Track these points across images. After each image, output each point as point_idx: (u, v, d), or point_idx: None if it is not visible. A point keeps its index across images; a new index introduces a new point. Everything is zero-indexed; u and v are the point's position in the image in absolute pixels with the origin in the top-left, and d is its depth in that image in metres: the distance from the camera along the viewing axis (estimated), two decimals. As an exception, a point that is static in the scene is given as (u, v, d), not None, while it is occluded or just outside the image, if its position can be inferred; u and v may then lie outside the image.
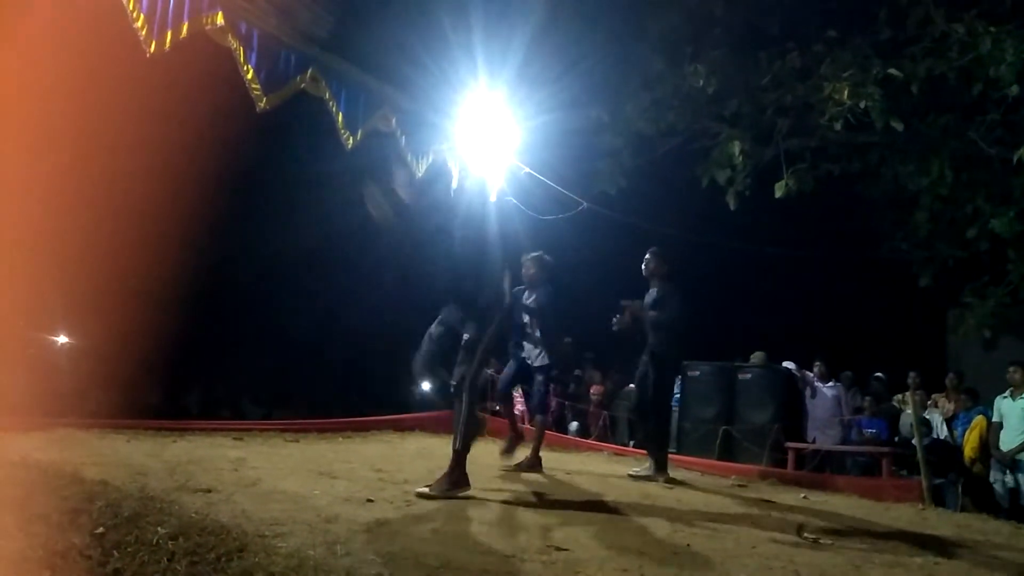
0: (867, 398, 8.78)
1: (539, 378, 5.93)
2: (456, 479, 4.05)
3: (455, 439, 4.15)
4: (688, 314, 5.98)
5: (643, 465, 6.00)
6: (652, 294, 6.02)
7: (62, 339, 12.41)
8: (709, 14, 7.79)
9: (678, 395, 8.92)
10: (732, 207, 8.28)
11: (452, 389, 4.29)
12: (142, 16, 4.44)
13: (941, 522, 4.90)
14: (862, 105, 6.91)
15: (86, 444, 4.71)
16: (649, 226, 8.19)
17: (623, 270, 6.31)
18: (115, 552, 2.41)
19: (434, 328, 4.60)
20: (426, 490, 3.96)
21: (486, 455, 5.66)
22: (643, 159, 8.79)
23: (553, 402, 9.84)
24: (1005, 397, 7.26)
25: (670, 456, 7.54)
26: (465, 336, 4.29)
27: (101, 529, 2.61)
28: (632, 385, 9.28)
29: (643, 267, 6.10)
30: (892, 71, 6.95)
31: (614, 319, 5.99)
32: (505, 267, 4.71)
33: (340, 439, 6.52)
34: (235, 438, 5.78)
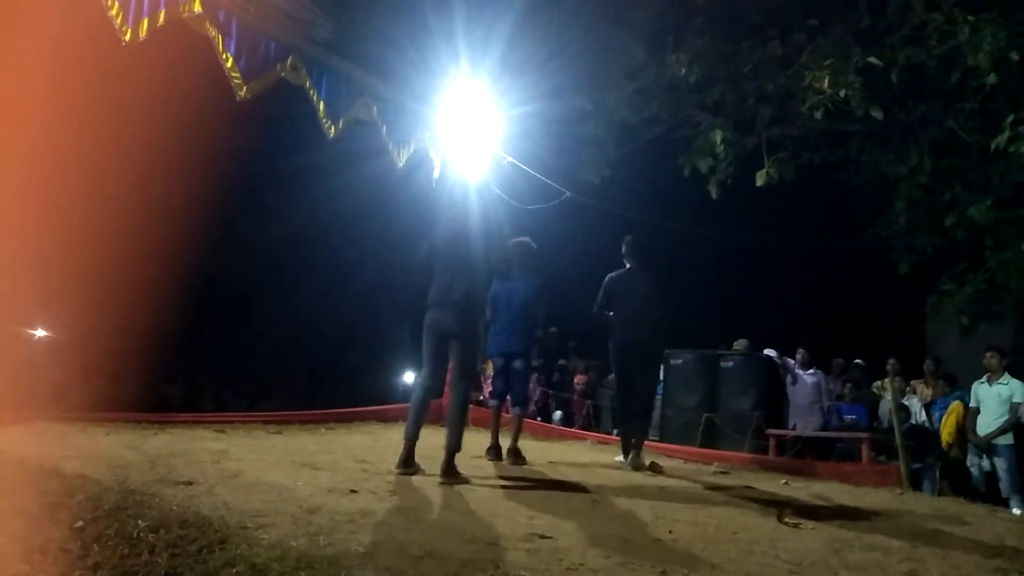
0: (847, 384, 8.87)
1: (517, 365, 5.70)
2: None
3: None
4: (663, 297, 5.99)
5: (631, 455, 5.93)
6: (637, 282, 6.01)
7: (41, 332, 12.28)
8: (691, 3, 7.79)
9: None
10: (714, 195, 8.32)
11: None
12: (116, 4, 4.37)
13: (919, 506, 4.97)
14: (842, 93, 6.95)
15: (66, 438, 4.66)
16: (633, 215, 8.21)
17: (607, 259, 6.30)
18: (95, 546, 2.39)
19: (428, 343, 4.67)
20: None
21: (471, 445, 5.67)
22: (626, 148, 8.80)
23: (537, 392, 9.87)
24: (982, 383, 7.36)
25: (653, 443, 7.60)
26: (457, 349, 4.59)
27: (81, 523, 2.58)
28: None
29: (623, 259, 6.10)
30: (872, 59, 6.99)
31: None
32: (488, 264, 4.84)
33: (323, 430, 6.50)
34: (217, 430, 5.75)
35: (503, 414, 6.01)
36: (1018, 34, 6.67)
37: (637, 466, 5.72)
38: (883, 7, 7.35)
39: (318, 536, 2.69)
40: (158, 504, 2.91)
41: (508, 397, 5.86)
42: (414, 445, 4.52)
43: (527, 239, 5.94)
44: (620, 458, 5.95)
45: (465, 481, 4.32)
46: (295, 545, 2.55)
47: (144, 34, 4.55)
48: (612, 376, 6.28)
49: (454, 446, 4.44)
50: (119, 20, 4.42)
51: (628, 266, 6.02)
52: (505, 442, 5.70)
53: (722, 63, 7.78)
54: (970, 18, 6.63)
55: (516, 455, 5.55)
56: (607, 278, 6.01)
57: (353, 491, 3.65)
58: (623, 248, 6.08)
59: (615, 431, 8.89)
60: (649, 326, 5.87)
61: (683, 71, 7.63)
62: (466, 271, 4.65)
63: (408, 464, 4.46)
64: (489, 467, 5.17)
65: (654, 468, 5.72)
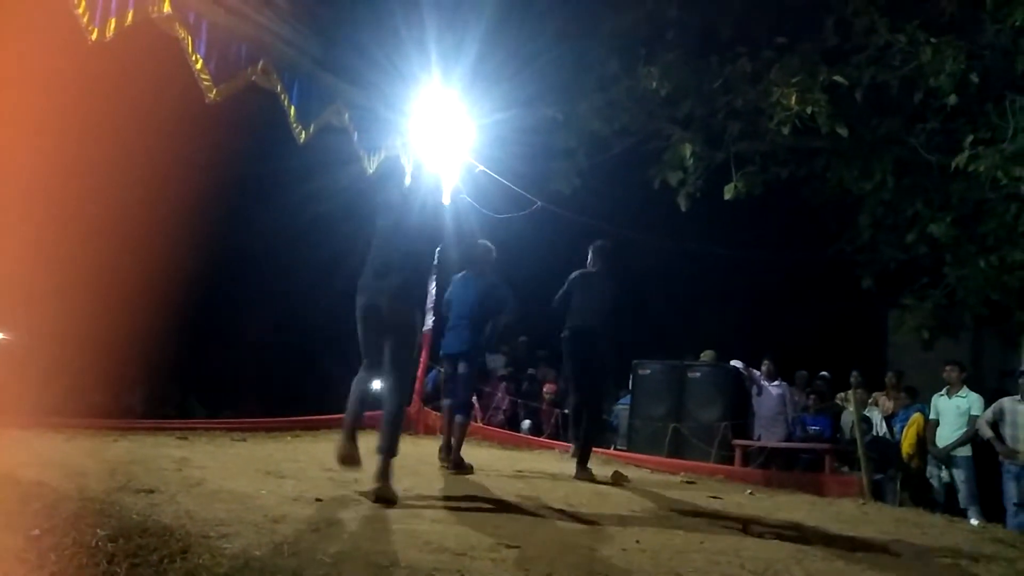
0: (811, 396, 9.00)
1: (460, 368, 5.61)
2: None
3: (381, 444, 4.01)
4: (618, 304, 6.03)
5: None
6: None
7: (-2, 336, 11.97)
8: (663, 17, 7.90)
9: (629, 393, 9.04)
10: (683, 208, 8.41)
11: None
12: (83, 2, 4.30)
13: (880, 516, 5.06)
14: (809, 111, 7.10)
15: (23, 444, 4.55)
16: (603, 225, 8.27)
17: (577, 268, 6.34)
18: (52, 555, 2.33)
19: (361, 334, 4.29)
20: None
21: (429, 455, 5.66)
22: (597, 159, 8.88)
23: (506, 401, 9.86)
24: (942, 395, 7.51)
25: (620, 453, 7.64)
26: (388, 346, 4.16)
27: (37, 531, 2.52)
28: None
29: (588, 262, 6.16)
30: (838, 78, 7.15)
31: None
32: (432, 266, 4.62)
33: (289, 438, 6.42)
34: (180, 437, 5.65)
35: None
36: (977, 57, 6.87)
37: (583, 478, 5.55)
38: (849, 28, 7.53)
39: (282, 546, 2.66)
40: (118, 513, 2.85)
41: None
42: (354, 433, 4.09)
43: (482, 241, 5.94)
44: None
45: (392, 499, 3.78)
46: (259, 555, 2.51)
47: (111, 33, 4.48)
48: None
49: (387, 449, 3.94)
50: (86, 19, 4.35)
51: (594, 268, 6.09)
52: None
53: (692, 77, 7.89)
54: (932, 40, 6.81)
55: (458, 465, 5.36)
56: (572, 274, 6.05)
57: (319, 500, 3.61)
58: (590, 251, 6.15)
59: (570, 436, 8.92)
60: (600, 324, 5.85)
61: (654, 84, 7.72)
62: (410, 260, 4.23)
63: (349, 459, 4.02)
64: (453, 477, 5.14)
65: (618, 478, 5.70)
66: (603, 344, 5.91)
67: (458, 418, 5.59)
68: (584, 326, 5.83)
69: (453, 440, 5.54)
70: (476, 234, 6.02)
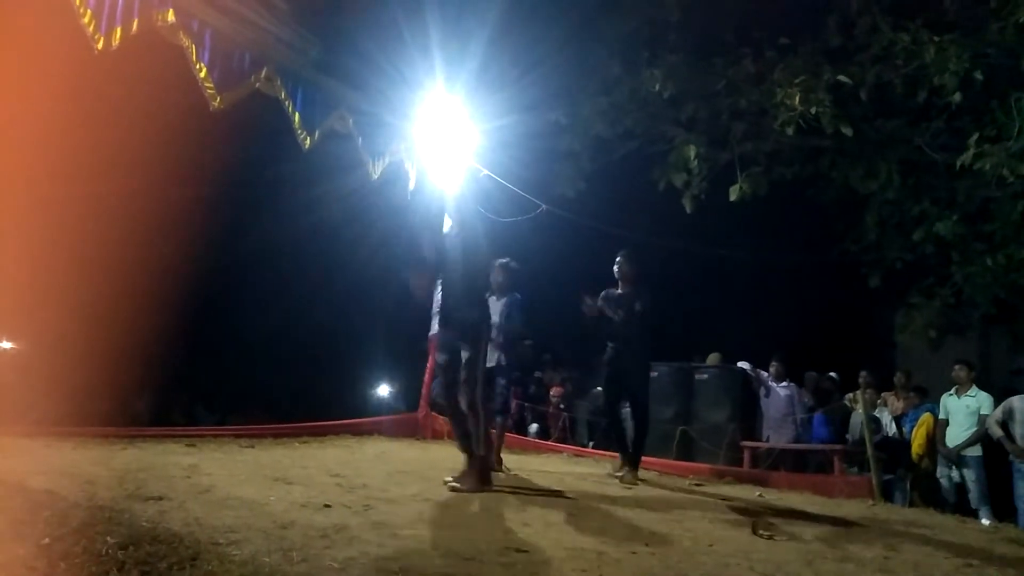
0: (832, 397, 8.96)
1: (501, 381, 6.00)
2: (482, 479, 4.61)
3: (474, 445, 4.68)
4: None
5: (615, 465, 6.15)
6: (618, 295, 6.11)
7: (6, 345, 12.02)
8: (665, 20, 7.89)
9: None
10: (688, 210, 8.39)
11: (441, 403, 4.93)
12: (89, 12, 4.32)
13: (890, 517, 5.03)
14: (813, 111, 7.08)
15: (32, 453, 4.56)
16: (608, 229, 8.26)
17: (582, 272, 6.36)
18: (62, 564, 2.34)
19: (440, 358, 4.92)
20: (454, 483, 4.49)
21: (447, 459, 5.65)
22: (601, 162, 8.87)
23: (513, 404, 9.86)
24: (951, 395, 7.47)
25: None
26: (464, 356, 4.71)
27: (47, 540, 2.52)
28: (600, 388, 9.33)
29: (615, 269, 6.20)
30: (842, 77, 7.13)
31: (586, 301, 6.07)
32: (486, 281, 4.95)
33: (297, 444, 6.43)
34: (188, 444, 5.66)
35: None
36: (981, 55, 6.85)
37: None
38: (852, 27, 7.51)
39: (291, 552, 2.66)
40: (127, 520, 2.85)
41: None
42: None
43: (501, 261, 6.07)
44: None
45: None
46: (268, 561, 2.51)
47: (117, 42, 4.50)
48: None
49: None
50: (92, 28, 4.38)
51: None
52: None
53: (696, 79, 7.88)
54: (936, 39, 6.79)
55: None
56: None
57: (327, 506, 3.61)
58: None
59: (591, 444, 8.90)
60: None
61: (657, 87, 7.71)
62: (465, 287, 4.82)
63: None
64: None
65: (629, 482, 5.74)
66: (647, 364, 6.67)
67: (497, 419, 6.04)
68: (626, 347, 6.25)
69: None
70: (493, 250, 6.11)
